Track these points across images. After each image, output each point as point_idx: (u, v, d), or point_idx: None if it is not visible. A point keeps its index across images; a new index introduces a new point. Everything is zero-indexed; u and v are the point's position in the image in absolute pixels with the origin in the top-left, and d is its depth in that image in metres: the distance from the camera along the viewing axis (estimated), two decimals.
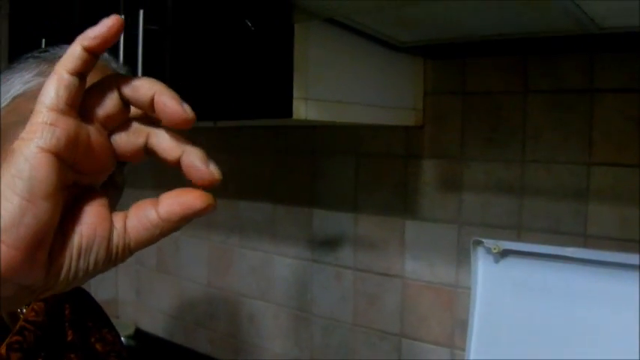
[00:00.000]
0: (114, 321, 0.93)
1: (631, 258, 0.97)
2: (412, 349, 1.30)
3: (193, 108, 0.39)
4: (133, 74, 0.47)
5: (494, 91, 1.17)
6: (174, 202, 0.39)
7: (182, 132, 0.41)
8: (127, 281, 2.05)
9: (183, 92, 0.39)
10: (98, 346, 0.84)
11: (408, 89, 1.22)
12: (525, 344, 1.09)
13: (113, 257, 0.39)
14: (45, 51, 0.70)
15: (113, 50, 0.83)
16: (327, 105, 1.01)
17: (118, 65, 0.74)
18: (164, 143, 0.40)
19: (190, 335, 1.83)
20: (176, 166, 0.40)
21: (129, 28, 1.16)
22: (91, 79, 0.40)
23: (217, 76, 1.05)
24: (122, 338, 0.89)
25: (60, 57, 0.38)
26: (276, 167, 1.56)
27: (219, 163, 0.40)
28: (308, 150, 1.47)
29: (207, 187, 0.40)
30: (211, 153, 0.40)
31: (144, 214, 0.40)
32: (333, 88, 1.02)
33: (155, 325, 1.94)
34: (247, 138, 1.62)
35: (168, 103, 0.38)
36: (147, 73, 1.13)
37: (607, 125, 1.05)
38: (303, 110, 0.95)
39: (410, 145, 1.28)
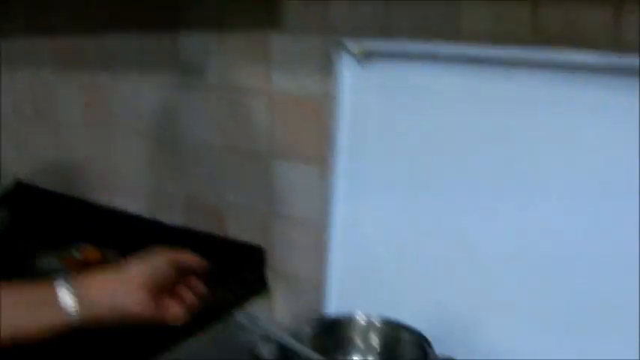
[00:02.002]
0: None
1: (503, 52, 0.90)
2: (282, 169, 1.25)
3: None
4: None
5: None
6: None
7: None
8: (5, 134, 1.92)
9: None
10: None
11: None
12: (395, 152, 1.04)
13: None
14: None
15: None
16: None
17: None
18: None
19: (69, 182, 1.75)
20: None
21: None
22: None
23: None
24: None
25: None
26: None
27: None
28: None
29: None
30: None
31: None
32: None
33: (35, 175, 1.85)
34: None
35: None
36: None
37: None
38: None
39: None
